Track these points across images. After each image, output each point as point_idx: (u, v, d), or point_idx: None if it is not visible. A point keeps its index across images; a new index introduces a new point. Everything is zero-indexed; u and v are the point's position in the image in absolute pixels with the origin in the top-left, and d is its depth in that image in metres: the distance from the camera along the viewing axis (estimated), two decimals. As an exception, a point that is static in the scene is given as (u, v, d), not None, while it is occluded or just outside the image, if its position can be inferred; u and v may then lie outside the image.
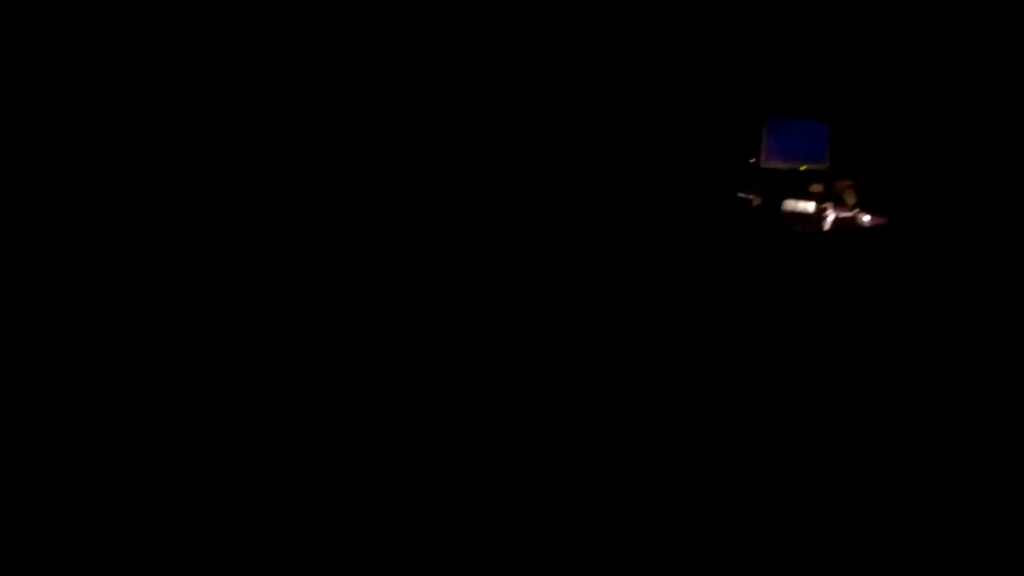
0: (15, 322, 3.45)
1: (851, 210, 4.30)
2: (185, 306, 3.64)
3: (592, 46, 4.00)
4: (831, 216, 4.27)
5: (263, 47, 3.63)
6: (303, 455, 3.42)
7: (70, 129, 3.59)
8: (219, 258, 3.72)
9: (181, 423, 3.43)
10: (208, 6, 3.61)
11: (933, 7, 4.58)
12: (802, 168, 4.55)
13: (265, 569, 3.13)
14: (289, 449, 3.42)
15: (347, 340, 3.71)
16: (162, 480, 3.29)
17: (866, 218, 4.26)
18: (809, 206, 4.35)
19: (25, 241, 3.53)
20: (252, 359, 3.60)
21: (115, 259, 3.60)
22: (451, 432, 3.57)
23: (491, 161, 3.88)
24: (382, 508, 3.32)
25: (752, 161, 4.56)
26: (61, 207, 3.56)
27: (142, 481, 3.26)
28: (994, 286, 4.07)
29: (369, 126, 3.82)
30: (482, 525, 3.26)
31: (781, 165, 4.54)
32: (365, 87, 3.80)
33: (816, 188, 4.48)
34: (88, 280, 3.55)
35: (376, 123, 3.83)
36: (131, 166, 3.64)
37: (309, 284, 3.75)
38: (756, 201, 4.33)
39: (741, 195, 4.30)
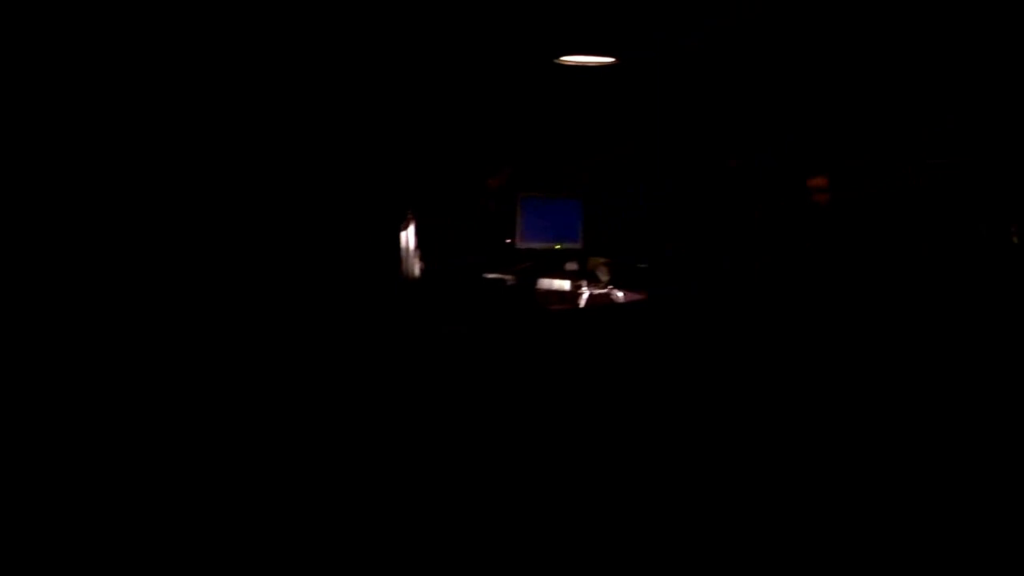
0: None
1: (605, 287, 4.37)
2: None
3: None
4: (586, 293, 4.32)
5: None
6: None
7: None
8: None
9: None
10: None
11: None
12: (557, 247, 4.63)
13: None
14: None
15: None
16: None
17: (619, 294, 4.33)
18: (564, 284, 4.40)
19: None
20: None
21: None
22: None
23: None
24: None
25: (508, 242, 4.61)
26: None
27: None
28: (743, 358, 4.20)
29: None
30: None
31: (536, 245, 4.61)
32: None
33: (571, 266, 4.55)
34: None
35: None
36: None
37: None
38: (511, 281, 4.36)
39: (491, 276, 4.32)
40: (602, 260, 4.49)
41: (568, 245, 4.62)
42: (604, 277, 4.41)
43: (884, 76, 4.55)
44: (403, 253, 4.11)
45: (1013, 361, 3.90)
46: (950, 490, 3.39)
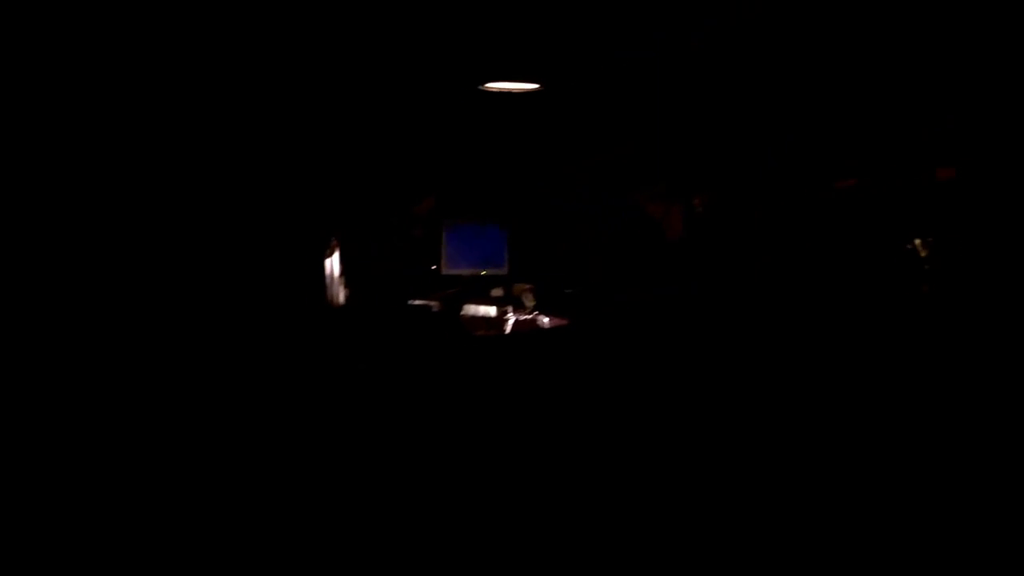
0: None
1: (531, 313, 4.39)
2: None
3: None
4: (512, 319, 4.33)
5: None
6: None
7: None
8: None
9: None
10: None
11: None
12: (483, 273, 4.64)
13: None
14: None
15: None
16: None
17: (545, 320, 4.35)
18: (490, 310, 4.40)
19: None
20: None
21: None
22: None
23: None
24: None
25: (433, 268, 4.60)
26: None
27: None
28: (670, 382, 4.27)
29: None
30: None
31: (462, 271, 4.61)
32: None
33: (496, 292, 4.56)
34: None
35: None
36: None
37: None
38: (436, 307, 4.35)
39: (417, 302, 4.30)
40: (528, 286, 4.51)
41: (494, 271, 4.64)
42: (530, 303, 4.43)
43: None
44: (328, 280, 4.07)
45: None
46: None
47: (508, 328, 4.32)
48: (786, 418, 4.06)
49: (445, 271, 4.58)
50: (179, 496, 3.31)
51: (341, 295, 4.12)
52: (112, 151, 3.52)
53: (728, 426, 4.07)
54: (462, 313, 4.40)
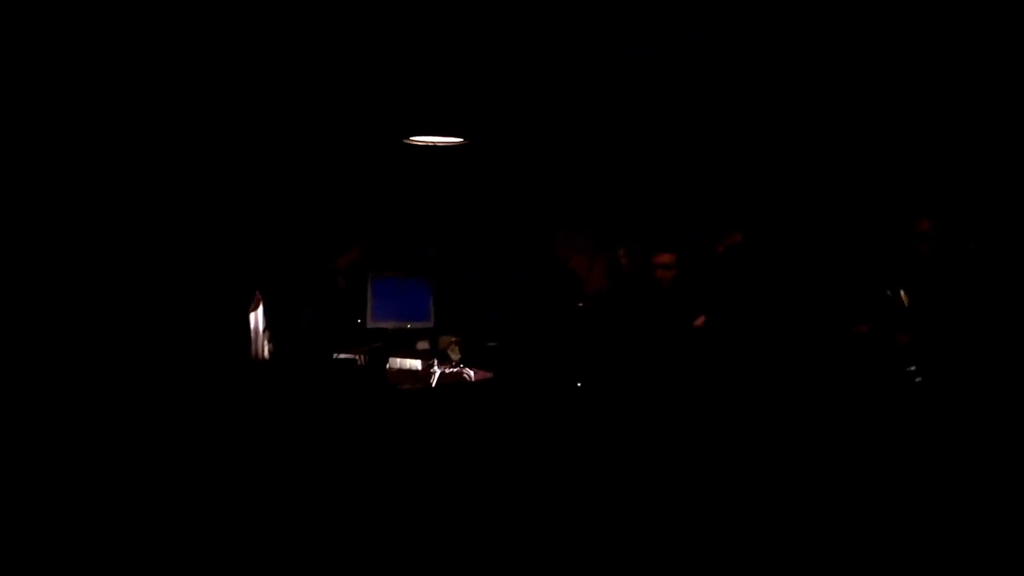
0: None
1: (456, 366, 4.41)
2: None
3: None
4: (437, 372, 4.34)
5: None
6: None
7: None
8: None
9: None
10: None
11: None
12: (408, 326, 4.65)
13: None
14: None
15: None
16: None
17: (470, 373, 4.38)
18: (416, 364, 4.41)
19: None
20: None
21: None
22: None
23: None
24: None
25: (358, 321, 4.60)
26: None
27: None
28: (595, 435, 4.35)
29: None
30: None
31: (387, 325, 4.61)
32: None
33: (422, 345, 4.57)
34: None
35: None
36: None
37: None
38: (361, 361, 4.34)
39: (342, 356, 4.29)
40: (453, 339, 4.53)
41: (419, 324, 4.65)
42: (455, 356, 4.45)
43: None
44: (252, 334, 4.04)
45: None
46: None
47: (434, 381, 4.33)
48: (719, 471, 4.15)
49: (370, 324, 4.58)
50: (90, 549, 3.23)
51: (266, 350, 4.09)
52: (38, 203, 3.49)
53: (656, 477, 4.14)
54: (388, 367, 4.40)
